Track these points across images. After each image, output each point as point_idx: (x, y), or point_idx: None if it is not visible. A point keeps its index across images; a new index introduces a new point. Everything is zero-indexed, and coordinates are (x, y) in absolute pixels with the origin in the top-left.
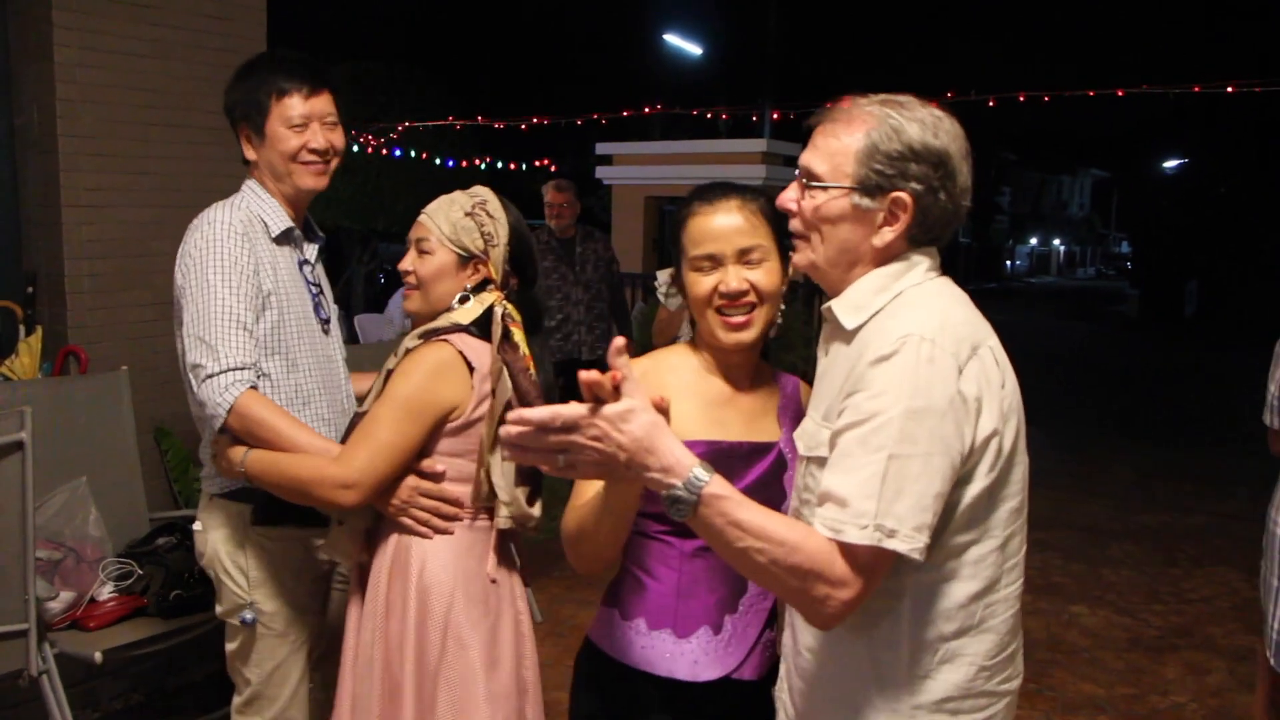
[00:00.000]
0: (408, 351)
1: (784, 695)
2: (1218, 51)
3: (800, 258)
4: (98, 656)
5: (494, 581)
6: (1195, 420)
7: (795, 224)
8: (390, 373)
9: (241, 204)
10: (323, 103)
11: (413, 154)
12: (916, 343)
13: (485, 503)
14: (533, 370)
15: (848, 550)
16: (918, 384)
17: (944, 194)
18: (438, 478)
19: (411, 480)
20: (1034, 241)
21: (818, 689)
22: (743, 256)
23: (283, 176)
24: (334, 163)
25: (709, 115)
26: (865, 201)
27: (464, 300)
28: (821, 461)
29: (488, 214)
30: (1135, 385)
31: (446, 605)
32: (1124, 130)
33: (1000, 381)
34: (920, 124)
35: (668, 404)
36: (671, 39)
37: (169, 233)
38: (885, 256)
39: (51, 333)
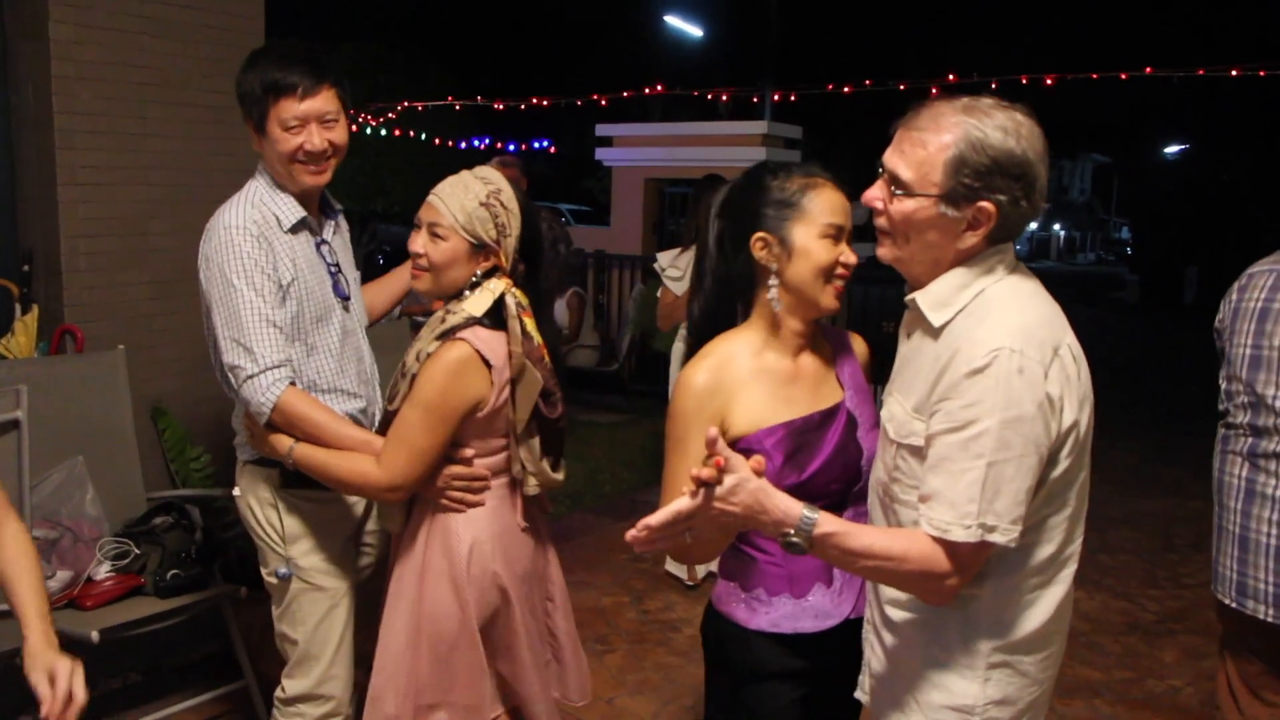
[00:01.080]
0: (429, 355)
1: (870, 636)
2: (1221, 36)
3: (886, 252)
4: (95, 636)
5: (524, 529)
6: (1193, 406)
7: (881, 221)
8: (413, 375)
9: (255, 198)
10: (321, 101)
11: (412, 134)
12: (1007, 355)
13: (513, 473)
14: (547, 357)
15: (950, 547)
16: (1010, 396)
17: (1025, 201)
18: (468, 462)
19: (448, 469)
20: (1034, 226)
21: (903, 627)
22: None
23: (282, 174)
24: (334, 161)
25: (709, 97)
26: (951, 211)
27: (474, 287)
28: (913, 450)
29: (502, 204)
30: (1134, 371)
31: (484, 557)
32: (1125, 116)
33: (1077, 374)
34: (1003, 132)
35: (763, 466)
36: (672, 20)
37: (166, 211)
38: (967, 257)
39: (48, 311)
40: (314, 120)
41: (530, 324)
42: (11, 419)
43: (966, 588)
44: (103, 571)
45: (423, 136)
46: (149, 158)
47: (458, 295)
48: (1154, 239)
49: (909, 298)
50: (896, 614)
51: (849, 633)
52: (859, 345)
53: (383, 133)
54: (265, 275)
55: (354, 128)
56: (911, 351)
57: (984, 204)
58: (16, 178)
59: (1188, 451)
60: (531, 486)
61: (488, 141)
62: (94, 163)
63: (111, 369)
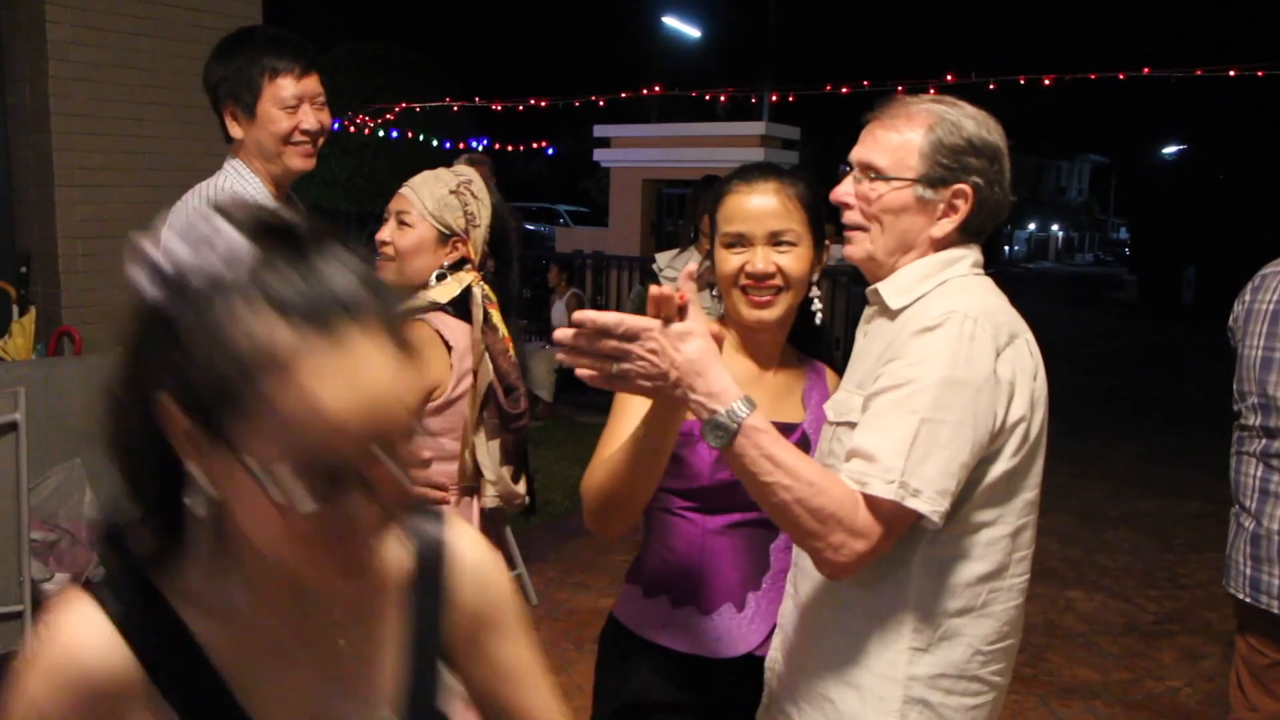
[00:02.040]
0: None
1: (777, 664)
2: (1219, 36)
3: (857, 249)
4: None
5: None
6: (1192, 406)
7: (853, 216)
8: None
9: (224, 185)
10: (313, 83)
11: (410, 135)
12: (960, 319)
13: (470, 482)
14: (511, 351)
15: (870, 503)
16: (957, 357)
17: (998, 187)
18: (424, 464)
19: None
20: (1032, 227)
21: (813, 652)
22: (773, 239)
23: (272, 157)
24: (321, 142)
25: (707, 98)
26: (928, 193)
27: (441, 278)
28: (851, 426)
29: (472, 194)
30: (1132, 371)
31: None
32: (1123, 116)
33: (1033, 372)
34: (974, 120)
35: (724, 336)
36: (670, 21)
37: (164, 212)
38: (938, 247)
39: (45, 313)
40: (308, 100)
41: (496, 316)
42: (9, 421)
43: (887, 595)
44: (101, 574)
45: (420, 138)
46: (146, 158)
47: (424, 287)
48: (1152, 239)
49: (870, 289)
50: (809, 634)
51: (752, 672)
52: (833, 381)
53: (380, 134)
54: None
55: (351, 129)
56: (865, 344)
57: (961, 185)
58: (13, 178)
59: (1186, 452)
60: (490, 498)
61: (485, 142)
62: (91, 163)
63: (109, 371)
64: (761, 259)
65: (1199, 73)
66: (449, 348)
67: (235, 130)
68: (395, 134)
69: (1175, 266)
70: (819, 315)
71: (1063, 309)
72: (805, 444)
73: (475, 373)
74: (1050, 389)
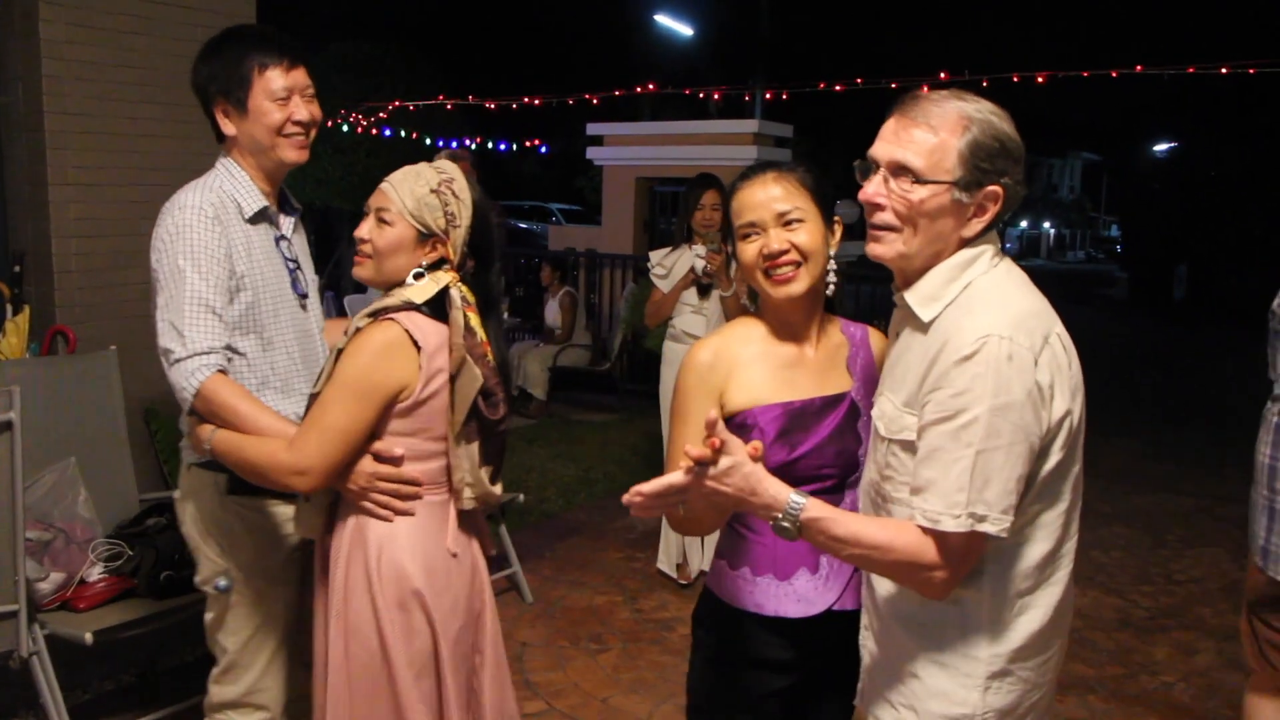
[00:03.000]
0: (357, 330)
1: (868, 642)
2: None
3: (887, 250)
4: (88, 637)
5: (454, 555)
6: (1184, 403)
7: (885, 217)
8: (340, 353)
9: (215, 184)
10: (302, 75)
11: (403, 134)
12: (996, 343)
13: (443, 482)
14: (490, 355)
15: (941, 538)
16: (999, 382)
17: (1020, 184)
18: (396, 462)
19: (369, 466)
20: (1024, 224)
21: (901, 633)
22: (781, 219)
23: (266, 150)
24: (313, 134)
25: (700, 95)
26: (964, 197)
27: (418, 277)
28: (904, 445)
29: (453, 193)
30: (1125, 368)
31: (406, 580)
32: (1115, 114)
33: (1068, 364)
34: (998, 116)
35: (760, 452)
36: (662, 19)
37: (158, 212)
38: (968, 245)
39: (39, 312)
40: (298, 92)
41: (475, 319)
42: (4, 420)
43: (964, 589)
44: (96, 573)
45: (414, 136)
46: (140, 158)
47: (400, 285)
48: (1144, 237)
49: (897, 295)
50: (892, 616)
51: (835, 626)
52: (877, 340)
53: (373, 132)
54: (215, 260)
55: (344, 127)
56: (901, 349)
57: (994, 187)
58: (7, 178)
59: (1179, 448)
60: (467, 499)
61: (478, 141)
62: (85, 163)
63: (104, 370)
64: (775, 239)
65: (1191, 70)
66: (418, 348)
67: (228, 127)
68: (389, 132)
69: (1167, 264)
70: (832, 287)
71: (1055, 306)
72: (855, 412)
73: (453, 376)
74: None
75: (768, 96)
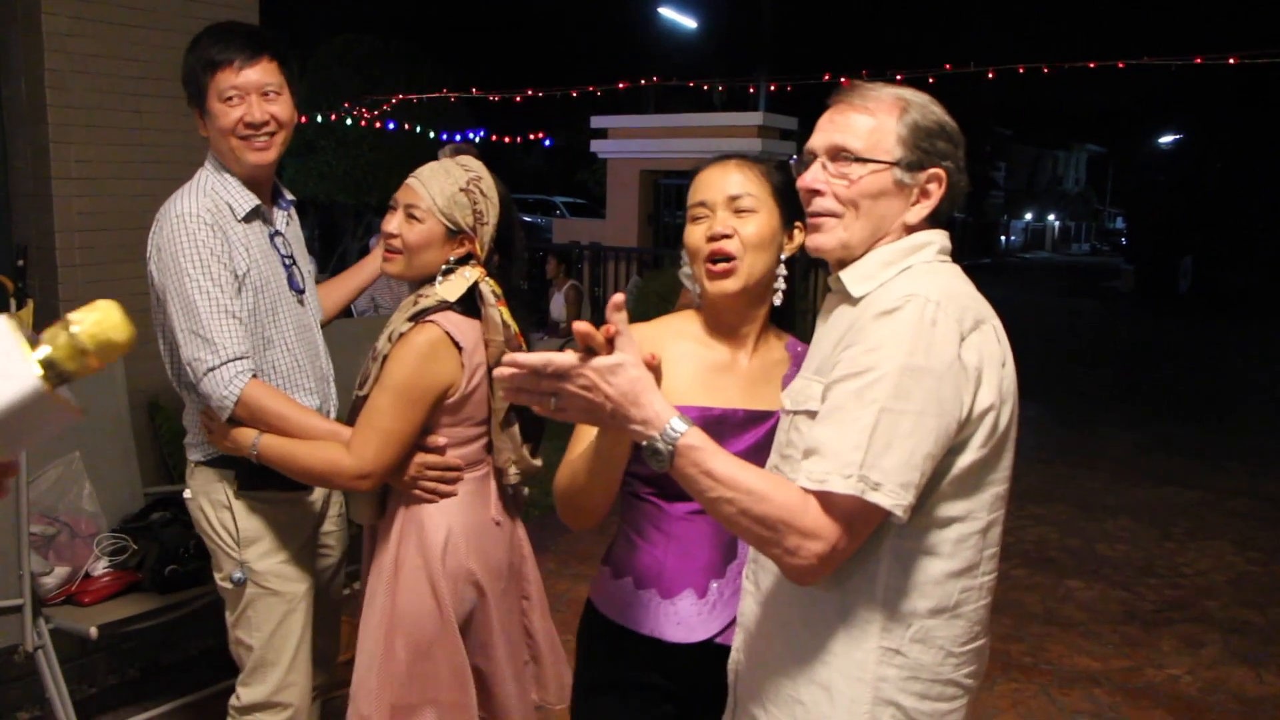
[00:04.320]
0: (400, 336)
1: (739, 664)
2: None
3: (828, 238)
4: (93, 632)
5: (498, 524)
6: (1189, 395)
7: (825, 202)
8: (384, 357)
9: (206, 187)
10: (259, 72)
11: (406, 127)
12: (921, 303)
13: (485, 459)
14: (525, 347)
15: (827, 502)
16: (918, 342)
17: (962, 174)
18: (440, 451)
19: (418, 457)
20: (1029, 217)
21: (779, 651)
22: (732, 203)
23: (226, 153)
24: (280, 135)
25: (704, 88)
26: (905, 177)
27: (447, 272)
28: (809, 415)
29: (481, 192)
30: (1130, 361)
31: (459, 553)
32: (1120, 106)
33: (1001, 360)
34: (937, 104)
35: (658, 361)
36: (666, 12)
37: (161, 205)
38: (908, 234)
39: (43, 307)
40: (254, 92)
41: (506, 313)
42: None
43: (857, 594)
44: (100, 567)
45: (417, 130)
46: (144, 151)
47: (429, 280)
48: (1149, 229)
49: (831, 276)
50: (775, 634)
51: (717, 659)
52: None
53: (376, 126)
54: (221, 265)
55: (347, 121)
56: (827, 328)
57: (936, 170)
58: (10, 171)
59: (1184, 441)
60: (513, 475)
61: (482, 134)
62: (88, 156)
63: (108, 364)
64: (720, 221)
65: (1199, 61)
66: (459, 348)
67: (203, 130)
68: (392, 126)
69: (1171, 256)
70: (779, 295)
71: (1059, 299)
72: None
73: (492, 368)
74: (1047, 379)
75: (771, 89)
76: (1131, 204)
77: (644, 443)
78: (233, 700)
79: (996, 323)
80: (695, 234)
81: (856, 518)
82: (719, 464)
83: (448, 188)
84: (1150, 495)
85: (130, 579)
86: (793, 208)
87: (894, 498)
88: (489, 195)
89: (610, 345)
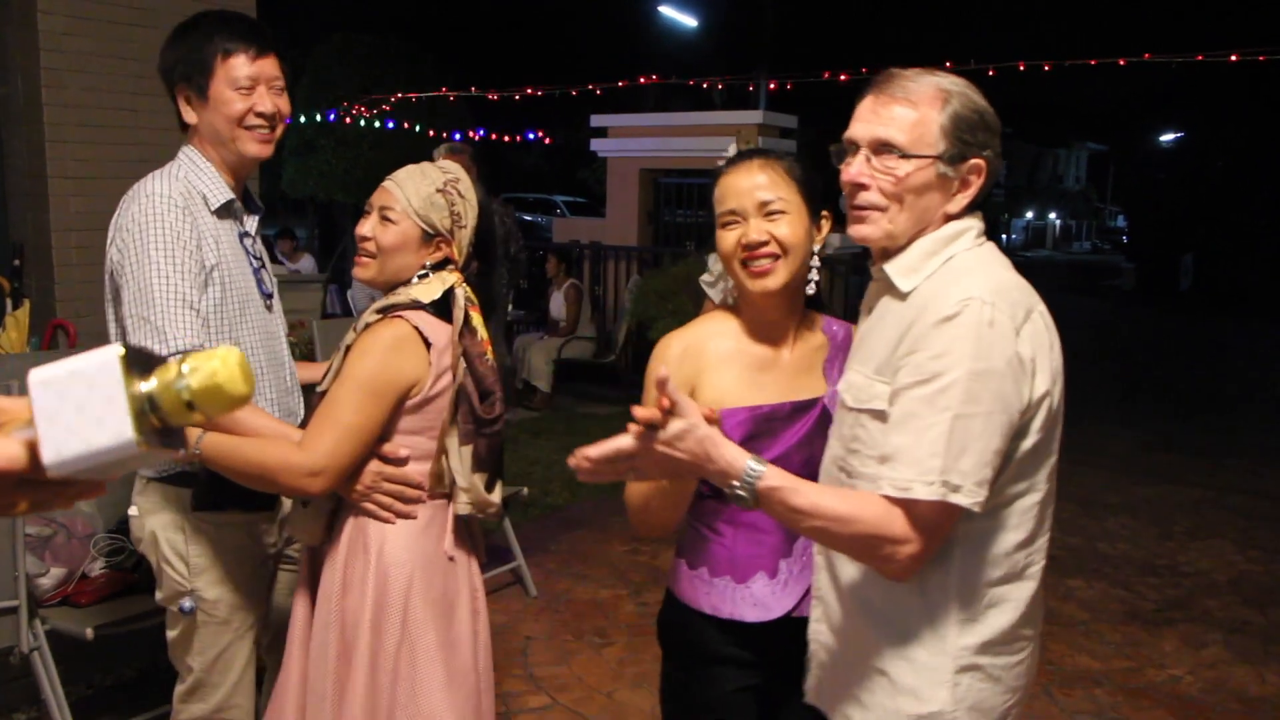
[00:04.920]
0: (366, 327)
1: (821, 635)
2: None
3: (873, 229)
4: (89, 633)
5: (451, 560)
6: (1190, 394)
7: (870, 196)
8: (348, 350)
9: (179, 174)
10: (270, 65)
11: (405, 126)
12: (978, 306)
13: (445, 488)
14: (490, 355)
15: (910, 508)
16: (980, 346)
17: (1000, 157)
18: (401, 463)
19: (375, 466)
20: (1029, 215)
21: (864, 625)
22: (763, 209)
23: (225, 142)
24: (279, 130)
25: (704, 86)
26: (948, 170)
27: (423, 277)
28: (874, 414)
29: (459, 194)
30: (1131, 359)
31: (406, 584)
32: (1120, 104)
33: (1049, 344)
34: (974, 90)
35: (718, 416)
36: (666, 10)
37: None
38: (947, 222)
39: (40, 306)
40: (264, 83)
41: (477, 318)
42: None
43: (930, 575)
44: (97, 568)
45: (417, 128)
46: (140, 150)
47: (404, 285)
48: (1149, 227)
49: (876, 267)
50: (857, 610)
51: (793, 632)
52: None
53: (376, 125)
54: (187, 252)
55: (347, 120)
56: (874, 321)
57: (977, 160)
58: (6, 171)
59: (1185, 439)
60: (463, 504)
61: (482, 133)
62: (85, 155)
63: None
64: (754, 229)
65: (1200, 58)
66: (428, 345)
67: (189, 115)
68: (391, 125)
69: (1172, 254)
70: (814, 285)
71: (1060, 297)
72: (827, 419)
73: (452, 375)
74: None
75: (771, 87)
76: (1132, 202)
77: (726, 490)
78: (172, 716)
79: (1042, 307)
80: (729, 240)
81: (940, 518)
82: (800, 499)
83: (424, 189)
84: (1151, 493)
85: (127, 580)
86: (816, 200)
87: (972, 496)
88: (467, 197)
89: (668, 415)
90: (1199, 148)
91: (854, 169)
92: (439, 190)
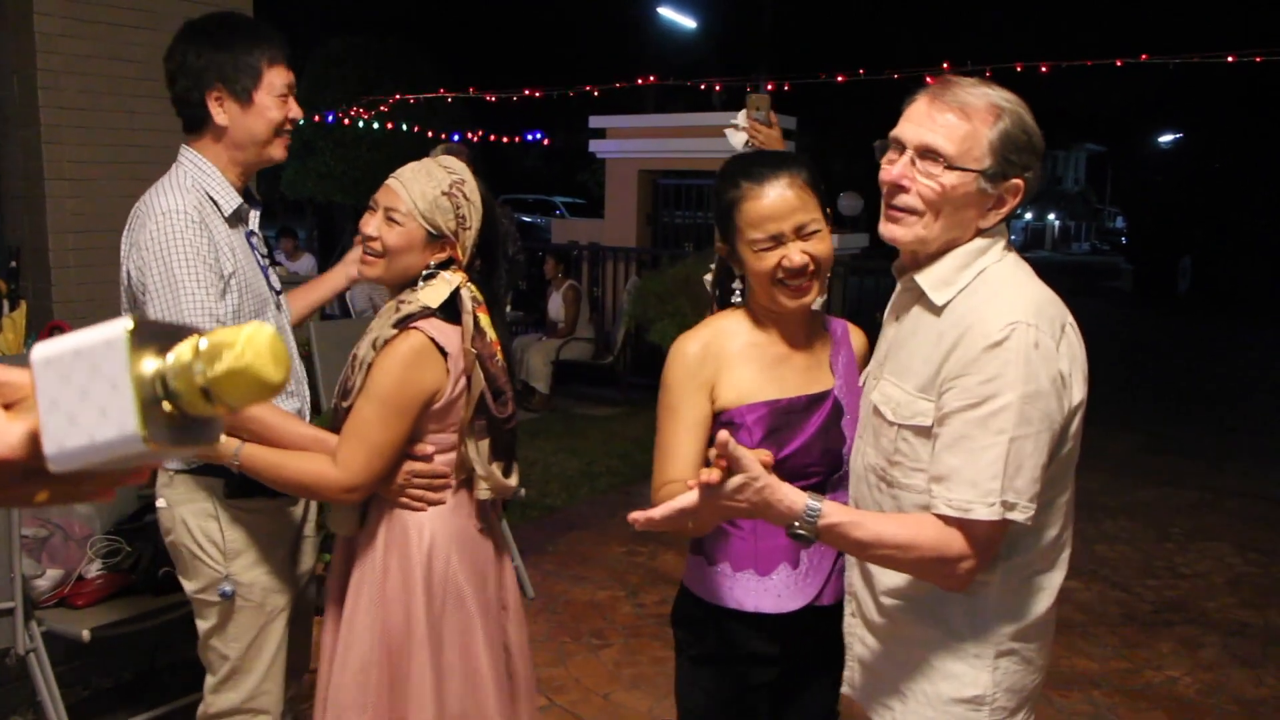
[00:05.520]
0: (385, 343)
1: (857, 629)
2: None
3: (907, 232)
4: (86, 634)
5: (481, 531)
6: (1188, 396)
7: (909, 200)
8: (369, 365)
9: (188, 183)
10: (292, 74)
11: (404, 128)
12: (1024, 330)
13: (465, 475)
14: (499, 356)
15: (968, 528)
16: (1029, 370)
17: (1038, 179)
18: (428, 458)
19: (407, 465)
20: (1028, 216)
21: (904, 617)
22: (800, 231)
23: (260, 145)
24: None
25: (703, 88)
26: (988, 186)
27: (429, 277)
28: (917, 430)
29: (465, 195)
30: (1129, 360)
31: (445, 561)
32: (1119, 105)
33: (1081, 353)
34: (1026, 109)
35: (771, 460)
36: (665, 11)
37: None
38: (977, 234)
39: (37, 307)
40: (291, 92)
41: (485, 320)
42: None
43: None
44: (94, 569)
45: (415, 130)
46: (137, 152)
47: (410, 285)
48: (1148, 228)
49: (908, 277)
50: (895, 603)
51: (817, 620)
52: (858, 338)
53: (374, 127)
54: (208, 266)
55: (346, 121)
56: (906, 333)
57: (1016, 180)
58: (2, 173)
59: (1183, 441)
60: (483, 490)
61: (481, 134)
62: (81, 157)
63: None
64: (796, 252)
65: (1196, 60)
66: (444, 354)
67: (220, 117)
68: (390, 126)
69: (1171, 256)
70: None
71: (1061, 298)
72: (838, 410)
73: (468, 377)
74: None
75: (769, 88)
76: (1131, 203)
77: (789, 531)
78: (201, 710)
79: (1070, 319)
80: (767, 263)
81: (996, 534)
82: (862, 532)
83: (430, 191)
84: (1148, 495)
85: (123, 581)
86: (826, 202)
87: (1026, 512)
88: (472, 199)
89: (728, 473)
90: (1197, 149)
91: (897, 169)
92: (444, 193)
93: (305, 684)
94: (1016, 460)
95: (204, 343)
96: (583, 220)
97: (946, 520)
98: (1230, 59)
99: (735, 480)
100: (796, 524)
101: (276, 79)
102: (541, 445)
